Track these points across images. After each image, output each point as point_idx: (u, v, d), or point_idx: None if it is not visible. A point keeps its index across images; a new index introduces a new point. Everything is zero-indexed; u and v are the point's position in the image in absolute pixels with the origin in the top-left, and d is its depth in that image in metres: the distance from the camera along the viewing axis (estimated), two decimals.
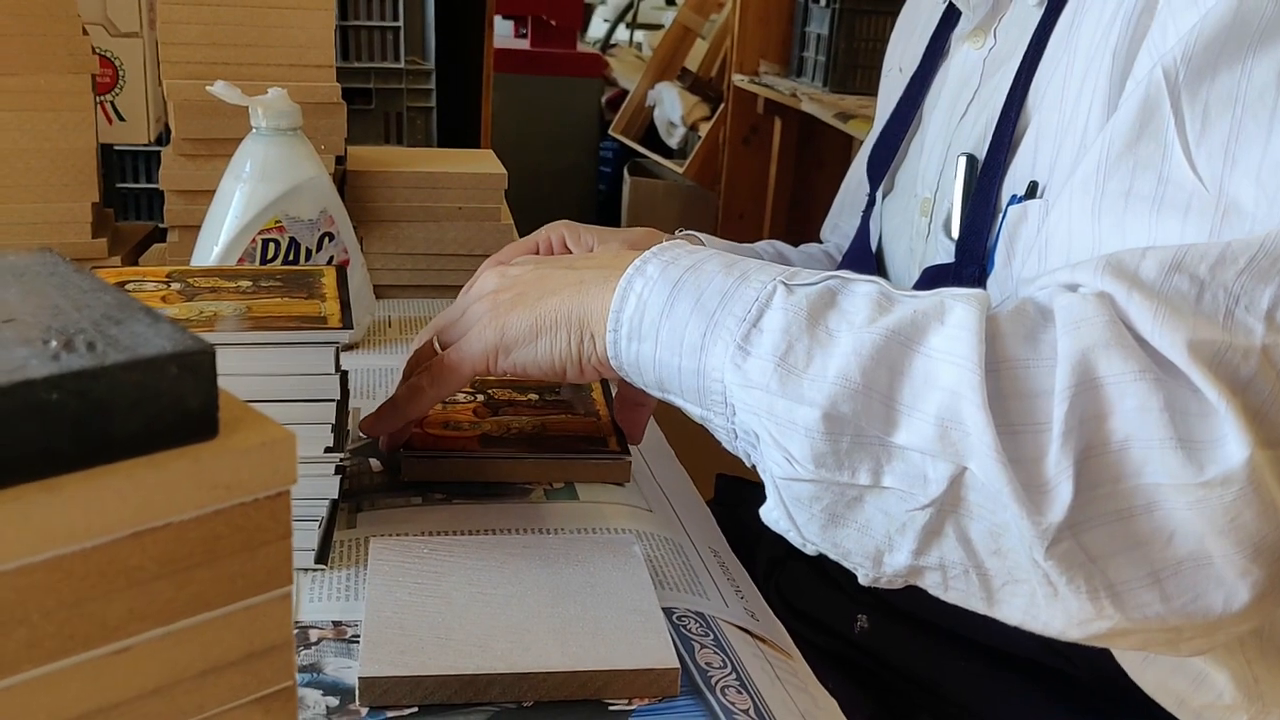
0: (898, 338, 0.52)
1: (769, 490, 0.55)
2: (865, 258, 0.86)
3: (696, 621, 0.58)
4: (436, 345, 0.66)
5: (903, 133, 0.84)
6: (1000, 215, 0.69)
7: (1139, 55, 0.60)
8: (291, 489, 0.33)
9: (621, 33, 4.73)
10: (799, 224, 3.21)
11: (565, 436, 0.72)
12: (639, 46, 4.64)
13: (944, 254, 0.74)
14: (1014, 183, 0.69)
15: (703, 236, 0.90)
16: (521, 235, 1.07)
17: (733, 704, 0.52)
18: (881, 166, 0.86)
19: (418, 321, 0.98)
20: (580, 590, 0.57)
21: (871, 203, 0.88)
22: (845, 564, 0.56)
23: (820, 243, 1.10)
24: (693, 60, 3.91)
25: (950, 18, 0.83)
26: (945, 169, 0.76)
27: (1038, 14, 0.70)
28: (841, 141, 2.82)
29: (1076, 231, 0.58)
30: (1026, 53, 0.69)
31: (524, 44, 3.87)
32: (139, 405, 0.30)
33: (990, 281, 0.69)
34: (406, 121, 1.97)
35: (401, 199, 1.03)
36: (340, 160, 1.03)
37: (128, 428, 0.30)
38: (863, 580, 0.56)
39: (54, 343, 0.30)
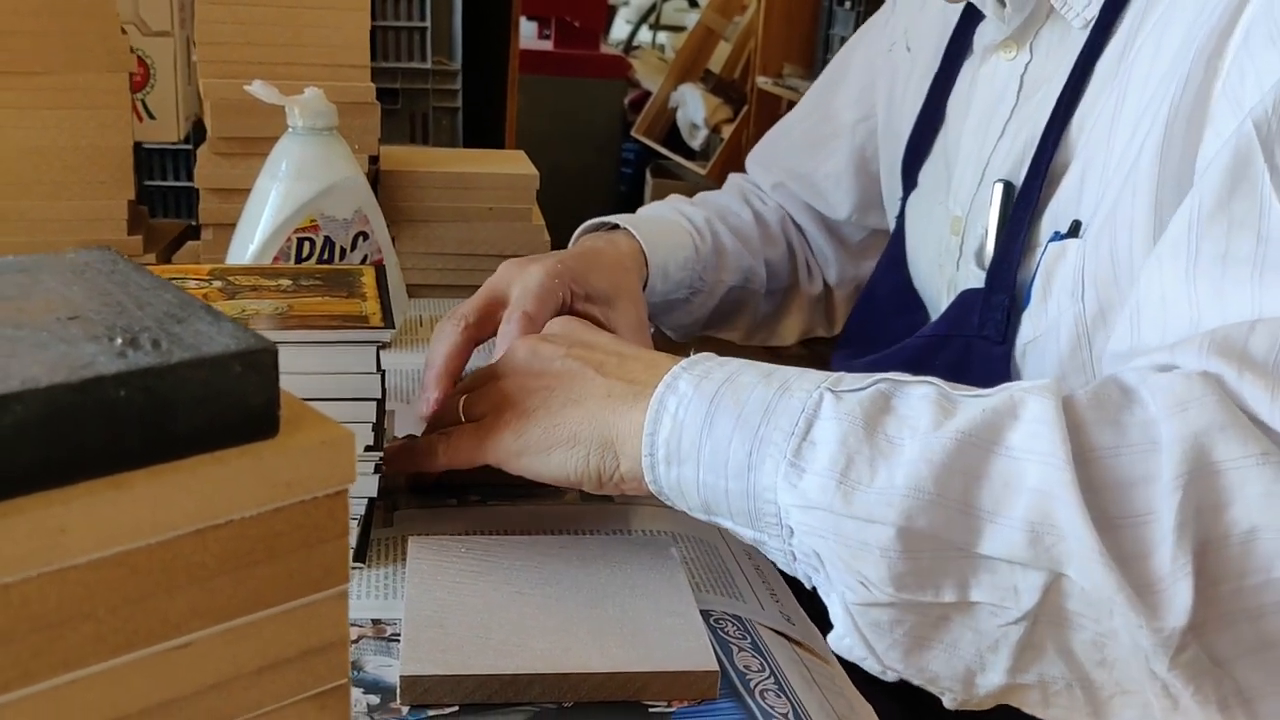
0: (970, 439, 0.48)
1: (838, 616, 0.51)
2: (900, 263, 0.85)
3: (734, 624, 0.58)
4: (461, 413, 0.64)
5: (932, 132, 0.83)
6: (1039, 250, 0.67)
7: (1212, 100, 0.57)
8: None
9: (644, 34, 4.73)
10: None
11: None
12: (662, 48, 4.65)
13: (974, 280, 0.72)
14: (1054, 218, 0.67)
15: (619, 219, 0.88)
16: (553, 240, 1.07)
17: (771, 707, 0.52)
18: (915, 168, 0.85)
19: None
20: (618, 591, 0.57)
21: (903, 207, 0.87)
22: (931, 689, 0.52)
23: (743, 172, 1.04)
24: (715, 62, 3.91)
25: (973, 13, 0.79)
26: (980, 192, 0.74)
27: (1082, 37, 0.68)
28: None
29: (1171, 299, 0.54)
30: (1070, 79, 0.67)
31: (547, 45, 3.88)
32: (203, 403, 0.30)
33: (1025, 316, 0.67)
34: (432, 122, 1.98)
35: (433, 199, 1.03)
36: (374, 160, 1.03)
37: (192, 425, 0.30)
38: (949, 704, 0.52)
39: (119, 340, 0.30)
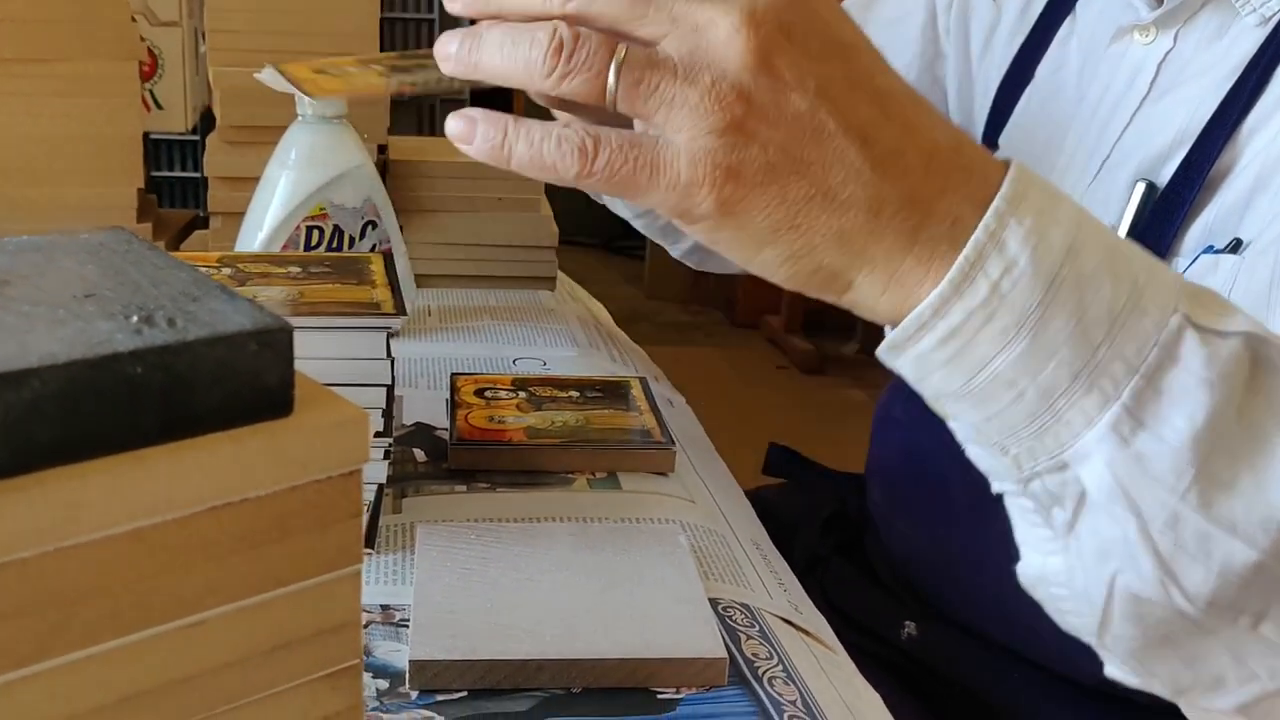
0: None
1: (1071, 572, 0.43)
2: None
3: (742, 612, 0.58)
4: (613, 102, 0.40)
5: (1016, 96, 0.76)
6: (1182, 259, 0.61)
7: None
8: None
9: None
10: None
11: (609, 429, 0.72)
12: None
13: None
14: (1208, 229, 0.61)
15: None
16: (561, 231, 1.07)
17: (780, 695, 0.52)
18: (996, 132, 0.78)
19: (458, 311, 0.98)
20: (627, 579, 0.57)
21: None
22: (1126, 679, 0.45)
23: None
24: None
25: None
26: (1097, 184, 0.67)
27: (1257, 35, 0.61)
28: None
29: None
30: (1241, 80, 0.61)
31: None
32: (219, 381, 0.30)
33: None
34: (440, 112, 1.98)
35: (442, 189, 1.03)
36: (382, 149, 1.03)
37: (208, 403, 0.30)
38: (1119, 677, 0.46)
39: (135, 318, 0.30)
